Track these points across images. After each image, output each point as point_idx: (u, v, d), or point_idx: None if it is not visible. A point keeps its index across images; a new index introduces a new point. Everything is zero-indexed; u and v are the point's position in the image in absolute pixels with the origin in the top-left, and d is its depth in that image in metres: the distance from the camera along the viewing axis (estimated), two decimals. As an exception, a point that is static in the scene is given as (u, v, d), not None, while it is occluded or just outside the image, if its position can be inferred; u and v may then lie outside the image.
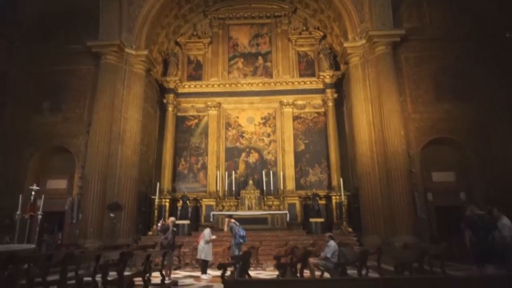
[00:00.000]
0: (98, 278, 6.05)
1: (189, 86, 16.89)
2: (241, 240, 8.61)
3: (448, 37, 13.55)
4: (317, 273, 7.37)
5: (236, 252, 8.46)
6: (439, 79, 13.36)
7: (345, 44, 13.95)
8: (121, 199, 12.71)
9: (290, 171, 15.55)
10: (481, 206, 9.17)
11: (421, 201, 12.25)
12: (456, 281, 3.17)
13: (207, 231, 9.18)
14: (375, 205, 12.24)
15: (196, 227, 14.52)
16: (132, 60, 14.07)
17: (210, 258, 9.11)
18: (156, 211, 14.37)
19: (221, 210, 14.58)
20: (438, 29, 13.80)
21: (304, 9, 17.08)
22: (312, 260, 7.16)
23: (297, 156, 15.83)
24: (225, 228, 9.02)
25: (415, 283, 3.05)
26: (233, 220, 8.98)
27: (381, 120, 12.70)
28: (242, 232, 8.67)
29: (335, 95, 16.04)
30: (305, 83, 16.53)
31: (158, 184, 14.87)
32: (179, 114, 16.79)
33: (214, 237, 9.23)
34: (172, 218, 9.30)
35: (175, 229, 9.07)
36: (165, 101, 16.49)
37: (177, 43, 17.50)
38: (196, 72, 17.32)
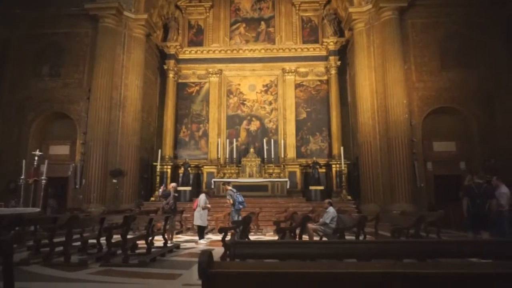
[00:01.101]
0: (103, 240, 6.27)
1: (190, 52, 16.62)
2: (240, 206, 8.77)
3: (455, 2, 13.12)
4: (316, 238, 7.57)
5: (236, 218, 8.65)
6: (444, 46, 13.10)
7: (350, 9, 13.58)
8: (123, 165, 12.87)
9: (291, 140, 15.63)
10: (481, 175, 9.25)
11: (420, 170, 12.38)
12: (448, 246, 3.28)
13: (202, 197, 9.21)
14: (375, 174, 12.40)
15: (197, 193, 14.62)
16: (132, 24, 13.77)
17: (205, 223, 9.24)
18: (158, 177, 14.59)
19: (222, 177, 14.80)
20: (446, -6, 13.35)
21: (309, -29, 16.49)
22: (311, 225, 7.34)
23: (299, 124, 15.86)
24: (228, 197, 9.12)
25: (409, 247, 3.15)
26: (229, 187, 9.13)
27: (384, 88, 12.59)
28: (241, 198, 8.83)
29: (339, 63, 15.83)
30: (308, 50, 16.27)
31: (159, 151, 15.01)
32: (180, 80, 16.63)
33: (209, 205, 9.24)
34: (173, 184, 9.45)
35: (176, 194, 9.24)
36: (165, 67, 16.29)
37: (177, 6, 17.04)
38: (197, 37, 16.97)
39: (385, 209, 11.59)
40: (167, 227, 7.88)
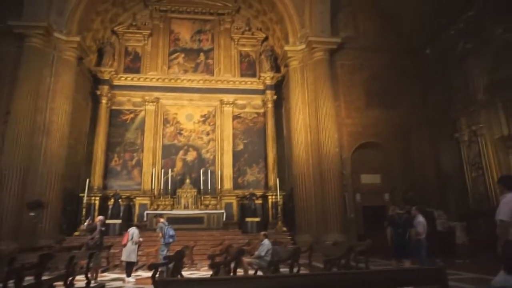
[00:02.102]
0: (12, 284, 5.51)
1: (126, 79, 16.11)
2: (170, 240, 8.50)
3: (378, 48, 14.54)
4: (251, 272, 7.45)
5: (165, 252, 8.31)
6: (369, 86, 14.31)
7: (286, 48, 14.32)
8: (44, 196, 11.70)
9: (228, 170, 15.55)
10: (401, 206, 10.00)
11: (350, 202, 13.03)
12: (376, 275, 3.42)
13: (135, 231, 8.69)
14: (309, 205, 12.72)
15: (128, 226, 13.77)
16: (62, 46, 13.02)
17: (135, 259, 8.68)
18: (84, 209, 13.49)
19: (156, 209, 14.13)
20: (369, 40, 14.76)
21: (248, 9, 17.18)
22: (246, 259, 7.23)
23: (236, 155, 15.89)
24: (158, 230, 8.76)
25: (340, 278, 3.23)
26: (162, 220, 8.87)
27: (317, 123, 13.21)
28: (172, 232, 8.57)
29: (275, 97, 16.38)
30: (246, 83, 16.65)
31: (87, 181, 13.97)
32: (113, 107, 15.92)
33: (141, 239, 8.76)
34: (100, 217, 8.78)
35: (103, 228, 8.58)
36: (98, 92, 15.52)
37: (114, 32, 16.59)
38: (134, 64, 16.56)
39: (319, 239, 11.85)
40: (91, 264, 7.22)
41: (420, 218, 8.47)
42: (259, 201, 15.31)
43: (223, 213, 14.16)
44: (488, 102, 11.27)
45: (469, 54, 11.85)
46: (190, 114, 16.26)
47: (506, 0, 9.77)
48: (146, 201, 14.58)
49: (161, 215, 9.42)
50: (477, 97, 11.51)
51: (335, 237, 11.47)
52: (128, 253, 8.25)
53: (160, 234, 8.56)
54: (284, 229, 14.03)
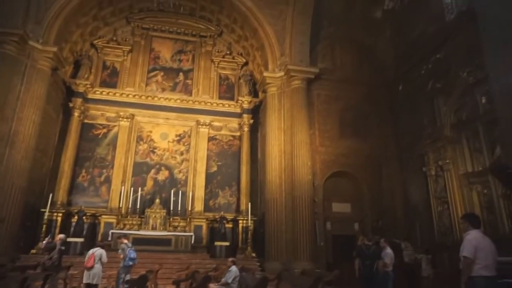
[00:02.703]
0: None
1: (101, 93, 15.76)
2: (131, 263, 8.18)
3: (354, 80, 15.00)
4: (217, 299, 7.19)
5: (123, 275, 7.97)
6: (343, 117, 14.64)
7: (265, 74, 14.53)
8: (2, 210, 10.97)
9: (200, 192, 15.30)
10: (369, 237, 10.06)
11: (321, 230, 13.00)
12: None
13: (104, 252, 8.31)
14: (279, 231, 12.59)
15: (91, 246, 13.11)
16: (37, 55, 12.63)
17: (99, 282, 8.28)
18: (44, 226, 12.75)
19: (122, 229, 13.57)
20: (346, 72, 15.21)
21: (230, 33, 17.45)
22: (212, 285, 6.99)
23: (209, 177, 15.68)
24: (120, 251, 8.40)
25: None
26: (125, 241, 8.51)
27: (291, 149, 13.30)
28: (133, 254, 8.26)
29: (251, 121, 16.45)
30: (223, 105, 16.68)
31: (51, 195, 13.28)
32: (86, 121, 15.45)
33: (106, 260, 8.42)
34: (61, 235, 8.30)
35: (63, 248, 8.10)
36: (71, 105, 15.05)
37: (93, 45, 16.33)
38: (111, 79, 16.27)
39: (288, 267, 11.67)
40: (47, 287, 6.75)
41: (388, 250, 8.54)
42: (230, 225, 15.03)
43: (192, 235, 13.80)
44: (454, 139, 11.72)
45: (437, 93, 12.40)
46: (165, 132, 16.01)
47: (471, 46, 10.36)
48: (112, 219, 14.00)
49: (125, 236, 9.02)
50: (444, 133, 11.95)
51: (304, 265, 11.33)
52: (96, 276, 7.86)
53: (121, 256, 8.18)
54: (253, 255, 13.78)
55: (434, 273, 10.04)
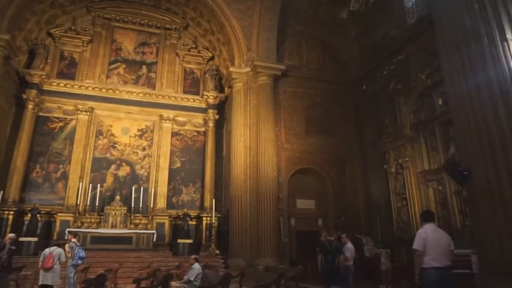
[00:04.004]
0: None
1: (58, 85, 15.04)
2: (79, 262, 8.07)
3: (320, 78, 15.38)
4: (178, 297, 7.14)
5: (72, 274, 7.84)
6: (309, 114, 14.95)
7: (231, 69, 14.52)
8: None
9: (163, 189, 15.07)
10: (331, 232, 10.36)
11: (285, 226, 13.24)
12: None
13: (62, 251, 8.01)
14: (244, 227, 12.69)
15: (45, 245, 12.61)
16: (-14, 43, 11.88)
17: (58, 282, 8.00)
18: (-7, 225, 12.06)
19: (79, 227, 13.10)
20: (312, 70, 15.58)
21: (196, 27, 17.23)
22: (174, 283, 6.93)
23: (172, 173, 15.48)
24: (66, 249, 8.18)
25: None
26: (74, 239, 8.35)
27: (257, 146, 13.42)
28: (82, 253, 8.12)
29: (217, 116, 16.38)
30: (188, 100, 16.48)
31: (1, 192, 12.56)
32: (41, 113, 14.69)
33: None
34: (11, 235, 7.91)
35: (13, 247, 7.71)
36: (25, 96, 14.22)
37: (50, 34, 15.52)
38: (69, 70, 15.55)
39: (252, 263, 11.82)
40: (-6, 289, 6.41)
41: (349, 245, 8.80)
42: (193, 222, 14.92)
43: (153, 233, 13.61)
44: (413, 138, 12.31)
45: (398, 93, 12.95)
46: (127, 127, 15.59)
47: (430, 50, 10.90)
48: (69, 217, 13.47)
49: (75, 233, 8.83)
50: (404, 132, 12.51)
51: (268, 261, 11.52)
52: (55, 276, 7.57)
53: (69, 254, 7.98)
54: (217, 252, 13.79)
55: (392, 267, 10.48)
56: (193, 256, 7.71)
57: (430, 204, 11.29)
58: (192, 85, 17.02)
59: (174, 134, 16.04)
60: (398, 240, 11.97)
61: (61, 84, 15.06)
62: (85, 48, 15.90)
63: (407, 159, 12.28)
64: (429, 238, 4.72)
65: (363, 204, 14.30)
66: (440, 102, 11.47)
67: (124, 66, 16.30)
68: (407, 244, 11.09)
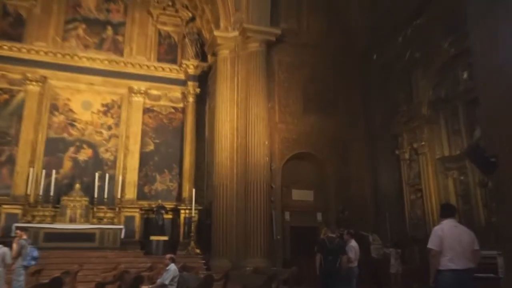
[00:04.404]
0: None
1: (1, 47, 14.60)
2: (33, 262, 8.17)
3: (321, 47, 15.06)
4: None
5: (21, 278, 7.87)
6: (308, 89, 14.79)
7: (216, 33, 14.24)
8: None
9: (133, 176, 15.07)
10: (333, 229, 10.46)
11: (278, 221, 13.27)
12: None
13: (7, 251, 7.94)
14: (229, 222, 12.68)
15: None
16: None
17: (3, 286, 7.97)
18: None
19: (30, 222, 13.00)
20: (313, 36, 15.27)
21: (173, -21, 16.89)
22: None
23: (144, 157, 15.46)
24: (14, 247, 8.13)
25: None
26: (24, 236, 8.31)
27: (246, 126, 13.27)
28: (36, 253, 8.22)
29: (198, 90, 16.27)
30: (163, 69, 16.30)
31: None
32: (-21, 83, 14.40)
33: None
34: None
35: None
36: (-43, 62, 13.89)
37: (-12, -17, 15.05)
38: (14, 30, 15.02)
39: (238, 264, 11.87)
40: None
41: (353, 243, 8.88)
42: (169, 216, 15.04)
43: (121, 229, 13.65)
44: (432, 119, 12.32)
45: (415, 65, 12.84)
46: (88, 101, 15.40)
47: (454, 13, 10.78)
48: (17, 210, 13.34)
49: (25, 229, 8.79)
50: (421, 111, 12.50)
51: (258, 262, 11.56)
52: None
53: (17, 254, 7.96)
54: (198, 251, 13.88)
55: (403, 269, 10.68)
56: (168, 256, 7.70)
57: (450, 197, 11.39)
58: (168, 51, 16.80)
59: (146, 111, 15.97)
60: (411, 239, 12.11)
61: (4, 47, 14.54)
62: (34, 3, 15.36)
63: (423, 143, 12.31)
64: (447, 235, 4.71)
65: (370, 196, 14.40)
66: (465, 76, 11.44)
67: (84, 26, 15.92)
68: (421, 243, 11.23)
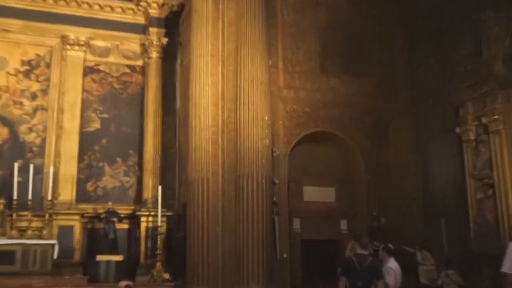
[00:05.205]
0: None
1: None
2: None
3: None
4: None
5: None
6: (327, 39, 14.56)
7: (190, -48, 13.99)
8: None
9: (70, 167, 14.99)
10: (366, 243, 10.29)
11: (283, 232, 13.10)
12: None
13: None
14: (212, 234, 12.43)
15: None
16: None
17: None
18: None
19: None
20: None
21: None
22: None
23: (86, 140, 15.45)
24: None
25: None
26: None
27: (236, 93, 12.96)
28: None
29: (165, 41, 16.18)
30: (113, 9, 16.10)
31: None
32: None
33: None
34: None
35: None
36: None
37: None
38: None
39: (226, 296, 11.81)
40: None
41: (392, 264, 8.76)
42: (124, 226, 15.17)
43: (54, 245, 13.54)
44: (509, 81, 12.09)
45: (484, 3, 12.65)
46: (2, 57, 15.28)
47: None
48: None
49: None
50: (493, 71, 12.29)
51: (254, 292, 11.48)
52: None
53: None
54: (167, 276, 13.72)
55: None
56: (123, 284, 7.49)
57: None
58: (121, -18, 16.61)
59: (88, 71, 15.99)
60: (478, 255, 12.02)
61: None
62: None
63: (496, 117, 12.12)
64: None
65: (417, 196, 14.30)
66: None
67: None
68: (493, 262, 11.14)
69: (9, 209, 13.83)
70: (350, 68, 14.62)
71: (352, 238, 11.40)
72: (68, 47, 15.65)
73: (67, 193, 14.81)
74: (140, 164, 15.69)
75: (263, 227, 12.30)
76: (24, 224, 14.00)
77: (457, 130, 13.21)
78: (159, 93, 15.86)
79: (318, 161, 14.43)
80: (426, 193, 14.23)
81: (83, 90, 15.68)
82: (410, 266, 11.58)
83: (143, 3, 15.99)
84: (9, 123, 14.98)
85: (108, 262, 13.82)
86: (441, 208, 13.56)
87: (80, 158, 15.25)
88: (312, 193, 14.11)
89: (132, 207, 15.31)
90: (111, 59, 16.26)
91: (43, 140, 15.17)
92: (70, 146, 15.14)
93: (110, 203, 14.69)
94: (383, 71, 14.95)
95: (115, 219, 14.42)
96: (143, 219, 14.86)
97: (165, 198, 14.44)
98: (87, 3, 15.81)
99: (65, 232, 14.35)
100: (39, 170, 14.65)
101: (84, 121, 15.54)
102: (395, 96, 14.91)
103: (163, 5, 16.01)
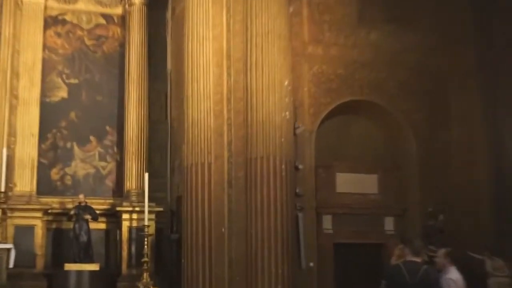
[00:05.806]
0: None
1: None
2: None
3: None
4: None
5: None
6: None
7: None
8: None
9: (28, 149, 15.12)
10: (419, 247, 10.28)
11: (310, 233, 13.12)
12: None
13: None
14: (215, 237, 12.50)
15: None
16: None
17: None
18: None
19: None
20: None
21: None
22: None
23: (49, 113, 15.65)
24: None
25: None
26: None
27: (245, 50, 12.98)
28: None
29: (151, -19, 16.12)
30: None
31: None
32: None
33: None
34: None
35: None
36: None
37: None
38: None
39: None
40: None
41: (453, 274, 8.74)
42: (101, 226, 15.33)
43: (9, 249, 13.61)
44: None
45: None
46: None
47: None
48: None
49: None
50: None
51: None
52: None
53: None
54: (155, 290, 13.85)
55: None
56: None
57: None
58: None
59: (51, 22, 16.20)
60: None
61: None
62: None
63: None
64: None
65: (488, 186, 14.28)
66: None
67: None
68: None
69: (-50, 204, 13.92)
70: (397, 16, 14.52)
71: (400, 241, 11.43)
72: (24, -9, 15.66)
73: (25, 182, 14.90)
74: (120, 144, 15.81)
75: (283, 227, 12.28)
76: (-31, 223, 14.11)
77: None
78: (144, 52, 15.90)
79: (355, 140, 14.41)
80: (500, 184, 14.14)
81: (45, 47, 15.78)
82: (478, 277, 11.56)
83: None
84: None
85: (79, 272, 13.89)
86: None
87: (42, 137, 15.37)
88: (347, 182, 14.08)
89: (111, 201, 15.50)
90: (80, 6, 16.30)
91: (-6, 114, 15.22)
92: (28, 121, 15.18)
93: (81, 196, 14.70)
94: (440, 19, 14.81)
95: (88, 216, 14.43)
96: (125, 216, 14.97)
97: (153, 189, 14.37)
98: None
99: (24, 234, 14.43)
100: (-13, 153, 14.69)
101: (46, 89, 15.67)
102: (458, 53, 14.75)
103: None
